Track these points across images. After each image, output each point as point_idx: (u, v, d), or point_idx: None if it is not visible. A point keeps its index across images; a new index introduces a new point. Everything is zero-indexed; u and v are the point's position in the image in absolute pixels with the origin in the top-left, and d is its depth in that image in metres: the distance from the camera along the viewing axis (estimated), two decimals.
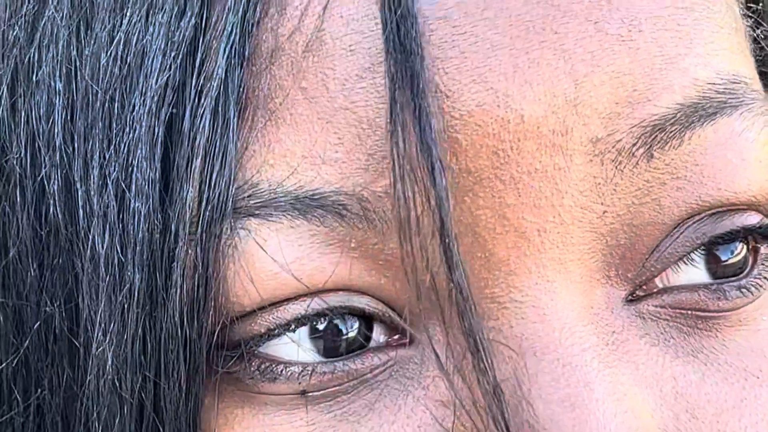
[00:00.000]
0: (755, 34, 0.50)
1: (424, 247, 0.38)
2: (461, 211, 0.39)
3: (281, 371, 0.40)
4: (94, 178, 0.40)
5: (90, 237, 0.40)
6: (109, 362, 0.40)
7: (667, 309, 0.42)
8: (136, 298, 0.39)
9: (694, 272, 0.42)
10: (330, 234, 0.39)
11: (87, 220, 0.40)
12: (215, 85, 0.39)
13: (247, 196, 0.39)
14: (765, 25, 0.51)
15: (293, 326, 0.40)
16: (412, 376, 0.40)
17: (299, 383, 0.40)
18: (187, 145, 0.39)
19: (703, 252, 0.42)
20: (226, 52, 0.39)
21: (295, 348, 0.40)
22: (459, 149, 0.39)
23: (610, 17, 0.40)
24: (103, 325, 0.40)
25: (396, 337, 0.41)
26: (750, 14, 0.49)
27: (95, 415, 0.40)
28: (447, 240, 0.38)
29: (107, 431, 0.40)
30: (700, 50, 0.41)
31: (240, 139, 0.39)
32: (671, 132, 0.40)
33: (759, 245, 0.43)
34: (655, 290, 0.42)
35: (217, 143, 0.39)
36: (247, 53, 0.39)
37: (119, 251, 0.40)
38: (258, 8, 0.39)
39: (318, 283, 0.39)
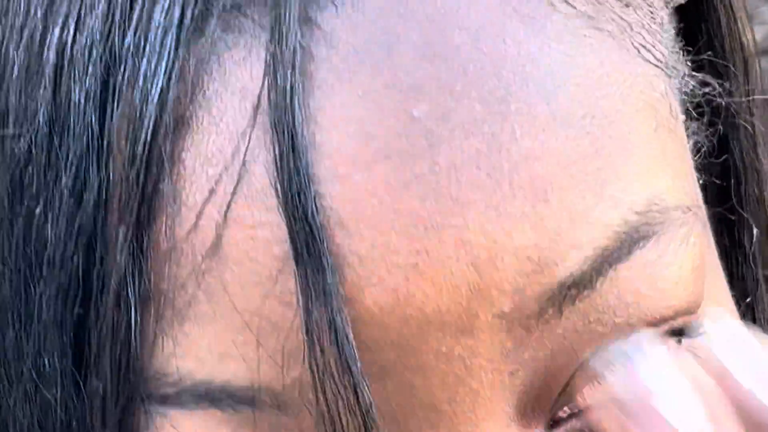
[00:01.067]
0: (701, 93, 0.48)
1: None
2: (371, 396, 0.39)
3: None
4: (7, 360, 0.41)
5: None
6: None
7: (585, 430, 0.42)
8: None
9: None
10: (243, 420, 0.40)
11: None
12: (116, 278, 0.39)
13: (160, 385, 0.40)
14: (713, 84, 0.49)
15: None
16: None
17: None
18: (94, 336, 0.39)
19: None
20: (125, 247, 0.39)
21: None
22: (363, 346, 0.38)
23: (512, 198, 0.38)
24: None
25: None
26: (694, 74, 0.48)
27: None
28: None
29: None
30: (612, 190, 0.40)
31: (148, 330, 0.39)
32: (580, 286, 0.39)
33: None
34: (574, 411, 0.42)
35: (122, 335, 0.39)
36: (145, 248, 0.39)
37: None
38: (153, 203, 0.39)
39: None
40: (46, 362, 0.40)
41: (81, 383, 0.40)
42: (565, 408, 0.41)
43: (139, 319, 0.39)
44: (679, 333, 0.42)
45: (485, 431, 0.40)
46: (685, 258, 0.41)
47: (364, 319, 0.38)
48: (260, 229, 0.38)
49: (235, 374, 0.39)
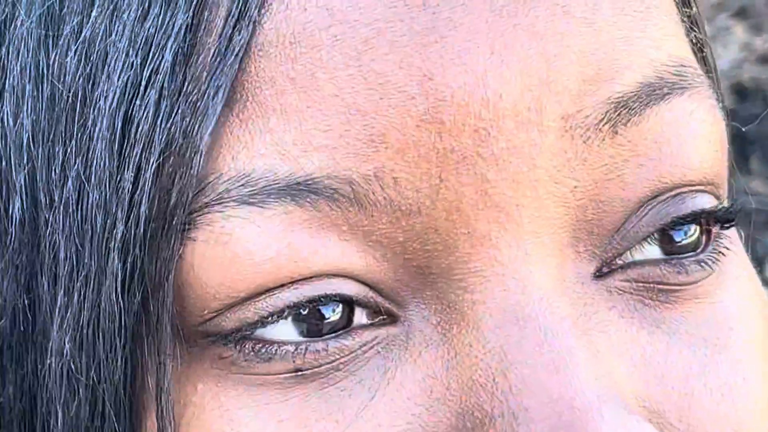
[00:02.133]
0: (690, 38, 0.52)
1: (421, 227, 0.41)
2: (446, 189, 0.41)
3: (275, 351, 0.41)
4: (56, 172, 0.42)
5: (50, 227, 0.42)
6: (67, 347, 0.41)
7: (631, 283, 0.44)
8: (97, 285, 0.41)
9: (651, 250, 0.45)
10: (322, 219, 0.41)
11: (48, 212, 0.42)
12: (201, 81, 0.41)
13: (240, 185, 0.41)
14: (697, 30, 0.53)
15: (286, 313, 0.41)
16: (399, 351, 0.42)
17: (293, 362, 0.42)
18: (147, 137, 0.41)
19: (657, 234, 0.45)
20: (215, 45, 0.41)
21: (284, 329, 0.42)
22: (443, 129, 0.41)
23: (574, 1, 0.42)
24: (60, 311, 0.42)
25: (379, 318, 0.42)
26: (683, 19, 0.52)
27: (56, 404, 0.42)
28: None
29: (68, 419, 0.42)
30: (653, 34, 0.44)
31: (232, 131, 0.41)
32: (633, 109, 0.43)
33: (711, 227, 0.46)
34: (619, 265, 0.44)
35: (199, 136, 0.41)
36: (234, 47, 0.41)
37: (78, 241, 0.41)
38: (245, 3, 0.41)
39: (311, 267, 0.41)
40: (93, 167, 0.41)
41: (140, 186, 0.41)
42: (618, 259, 0.44)
43: (218, 119, 0.41)
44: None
45: (546, 245, 0.42)
46: (714, 125, 0.45)
47: (446, 98, 0.41)
48: (347, 12, 0.41)
49: (317, 166, 0.41)
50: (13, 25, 0.43)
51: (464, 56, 0.41)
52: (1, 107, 0.43)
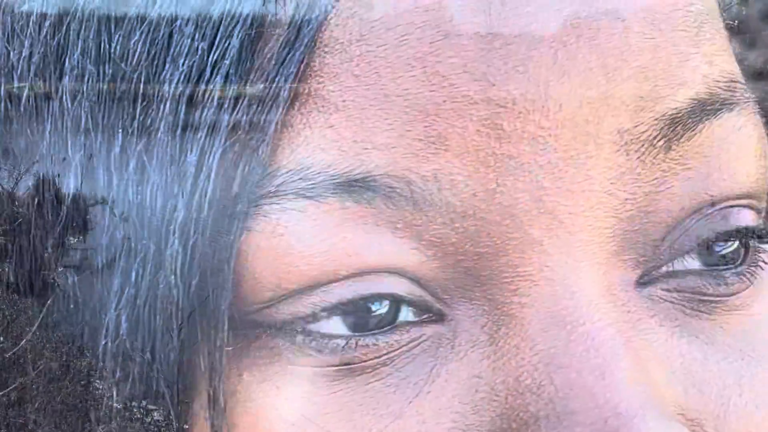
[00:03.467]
0: None
1: (474, 230, 0.42)
2: (502, 194, 0.42)
3: (326, 344, 0.42)
4: (115, 154, 0.42)
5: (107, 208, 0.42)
6: (123, 327, 0.42)
7: (672, 293, 0.45)
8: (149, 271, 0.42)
9: (691, 260, 0.46)
10: (378, 216, 0.42)
11: (105, 192, 0.42)
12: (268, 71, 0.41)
13: (299, 179, 0.41)
14: None
15: (339, 310, 0.42)
16: (445, 350, 0.43)
17: (343, 355, 0.42)
18: (211, 122, 0.42)
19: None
20: (284, 36, 0.41)
21: (334, 323, 0.42)
22: (503, 135, 0.41)
23: (635, 16, 0.43)
24: (116, 291, 0.42)
25: (426, 316, 0.43)
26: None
27: (109, 383, 0.42)
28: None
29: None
30: (706, 50, 0.45)
31: (293, 125, 0.41)
32: (687, 125, 0.44)
33: (749, 241, 0.47)
34: (661, 274, 0.45)
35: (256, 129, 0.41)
36: (303, 39, 0.41)
37: (137, 222, 0.42)
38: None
39: (365, 262, 0.42)
40: (154, 153, 0.42)
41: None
42: (660, 269, 0.45)
43: (283, 112, 0.41)
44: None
45: (595, 253, 0.43)
46: (760, 140, 0.46)
47: (507, 105, 0.41)
48: (414, 13, 0.41)
49: (376, 164, 0.41)
50: (74, 5, 0.44)
51: (527, 64, 0.41)
52: (61, 87, 0.43)
